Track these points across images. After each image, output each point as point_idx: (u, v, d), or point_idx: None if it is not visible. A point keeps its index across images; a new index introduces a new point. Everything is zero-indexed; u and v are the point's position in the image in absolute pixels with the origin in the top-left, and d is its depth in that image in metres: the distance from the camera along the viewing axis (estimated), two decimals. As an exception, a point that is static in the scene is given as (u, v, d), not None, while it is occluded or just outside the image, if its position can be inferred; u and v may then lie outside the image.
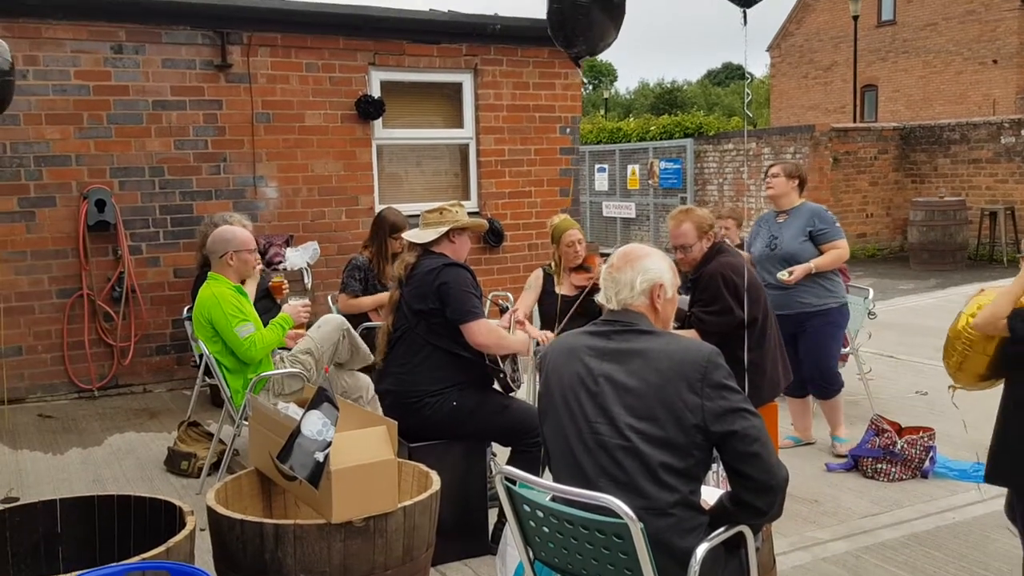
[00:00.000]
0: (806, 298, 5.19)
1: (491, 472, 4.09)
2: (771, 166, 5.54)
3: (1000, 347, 3.21)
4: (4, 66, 4.34)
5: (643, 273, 2.69)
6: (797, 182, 5.40)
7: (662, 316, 2.74)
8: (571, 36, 4.54)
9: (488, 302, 5.37)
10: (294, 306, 4.91)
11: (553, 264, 5.66)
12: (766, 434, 2.52)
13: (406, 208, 6.87)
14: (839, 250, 5.24)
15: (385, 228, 5.91)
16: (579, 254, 5.53)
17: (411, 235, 4.15)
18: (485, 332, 3.91)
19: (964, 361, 3.31)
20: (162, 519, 3.11)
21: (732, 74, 63.57)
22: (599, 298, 2.76)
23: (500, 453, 4.52)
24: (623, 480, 2.48)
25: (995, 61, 26.38)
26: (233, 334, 4.56)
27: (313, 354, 4.89)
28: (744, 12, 3.65)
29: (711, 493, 2.90)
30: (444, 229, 4.05)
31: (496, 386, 4.13)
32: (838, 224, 5.33)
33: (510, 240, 8.77)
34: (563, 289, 5.53)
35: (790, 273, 5.14)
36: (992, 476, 3.34)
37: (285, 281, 5.75)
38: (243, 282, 4.90)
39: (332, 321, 5.01)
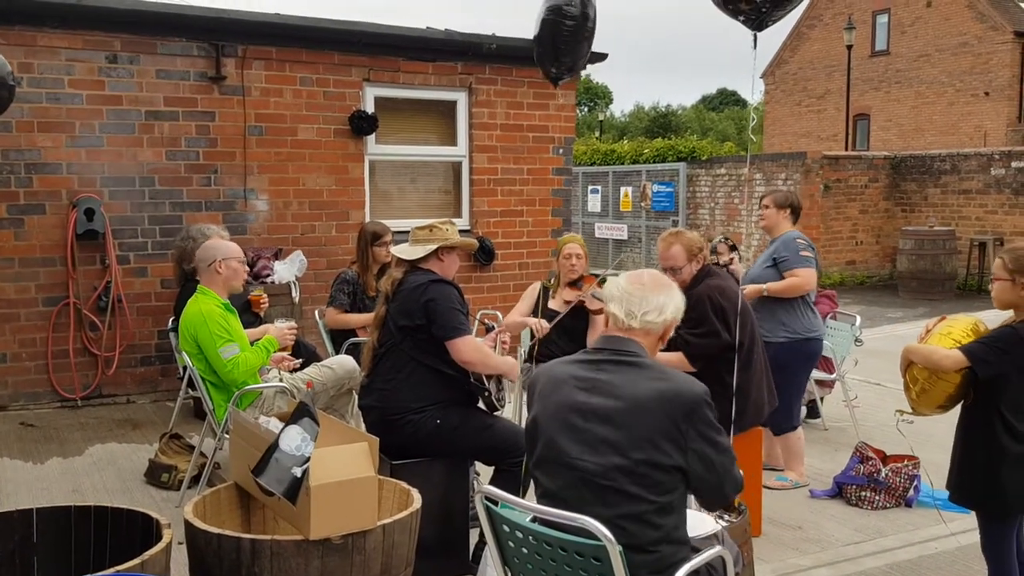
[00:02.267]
0: None
1: (474, 491, 4.06)
2: (763, 196, 5.47)
3: (964, 378, 3.28)
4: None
5: (673, 302, 2.71)
6: (788, 211, 5.33)
7: (657, 347, 2.75)
8: (557, 57, 4.66)
9: (476, 322, 5.36)
10: (280, 328, 4.87)
11: (552, 279, 5.69)
12: (731, 470, 2.57)
13: (397, 224, 6.87)
14: (797, 279, 5.09)
15: (366, 237, 5.95)
16: (575, 268, 5.54)
17: (399, 251, 4.14)
18: (471, 349, 3.90)
19: (924, 392, 3.36)
20: (139, 531, 3.09)
21: (726, 99, 63.95)
22: (614, 310, 2.69)
23: (483, 472, 4.50)
24: (606, 516, 2.44)
25: (987, 93, 26.64)
26: (216, 354, 4.53)
27: (314, 387, 4.89)
28: (755, 35, 3.69)
29: (696, 517, 2.90)
30: (433, 247, 4.04)
31: (480, 404, 4.12)
32: (805, 253, 5.15)
33: (501, 259, 8.77)
34: (555, 304, 5.54)
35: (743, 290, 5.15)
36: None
37: (264, 295, 5.71)
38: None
39: (347, 365, 5.02)
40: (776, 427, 5.20)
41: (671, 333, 2.76)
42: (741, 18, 3.55)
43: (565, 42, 4.76)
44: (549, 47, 4.84)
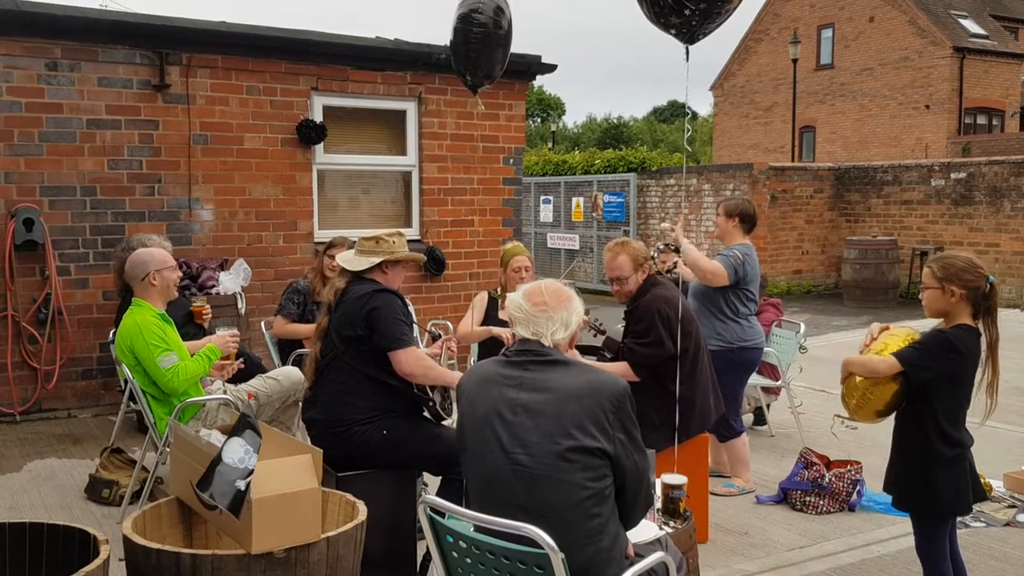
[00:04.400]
0: None
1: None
2: (719, 204, 5.38)
3: (900, 385, 3.36)
4: None
5: (575, 313, 2.77)
6: (738, 220, 5.22)
7: (571, 349, 2.84)
8: (471, 64, 4.75)
9: (426, 334, 5.33)
10: (222, 337, 4.77)
11: (500, 288, 5.66)
12: (647, 476, 2.67)
13: (347, 235, 6.81)
14: (713, 264, 5.03)
15: (324, 248, 5.97)
16: (524, 280, 5.52)
17: (344, 260, 4.09)
18: (413, 361, 3.87)
19: (865, 400, 3.43)
20: (76, 548, 3.01)
21: (677, 111, 64.77)
22: (521, 332, 2.74)
23: (432, 483, 4.47)
24: (542, 511, 2.47)
25: (927, 106, 27.36)
26: (155, 364, 4.43)
27: (259, 399, 4.82)
28: (687, 48, 3.75)
29: (641, 524, 2.92)
30: (377, 260, 4.00)
31: (426, 414, 4.09)
32: (732, 260, 5.06)
33: (451, 268, 8.75)
34: (504, 314, 5.52)
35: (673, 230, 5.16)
36: (895, 501, 3.50)
37: (207, 305, 5.63)
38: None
39: (293, 377, 4.94)
40: (719, 435, 5.24)
41: (579, 333, 2.85)
42: (672, 31, 3.60)
43: (476, 50, 4.85)
44: (463, 55, 4.92)
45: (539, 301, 2.73)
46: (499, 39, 4.91)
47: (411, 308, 4.38)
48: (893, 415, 3.51)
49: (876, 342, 3.52)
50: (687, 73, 3.86)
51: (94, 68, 7.05)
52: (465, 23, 4.89)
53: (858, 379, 3.43)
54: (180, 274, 4.95)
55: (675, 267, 5.45)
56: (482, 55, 4.88)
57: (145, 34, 7.15)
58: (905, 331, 3.51)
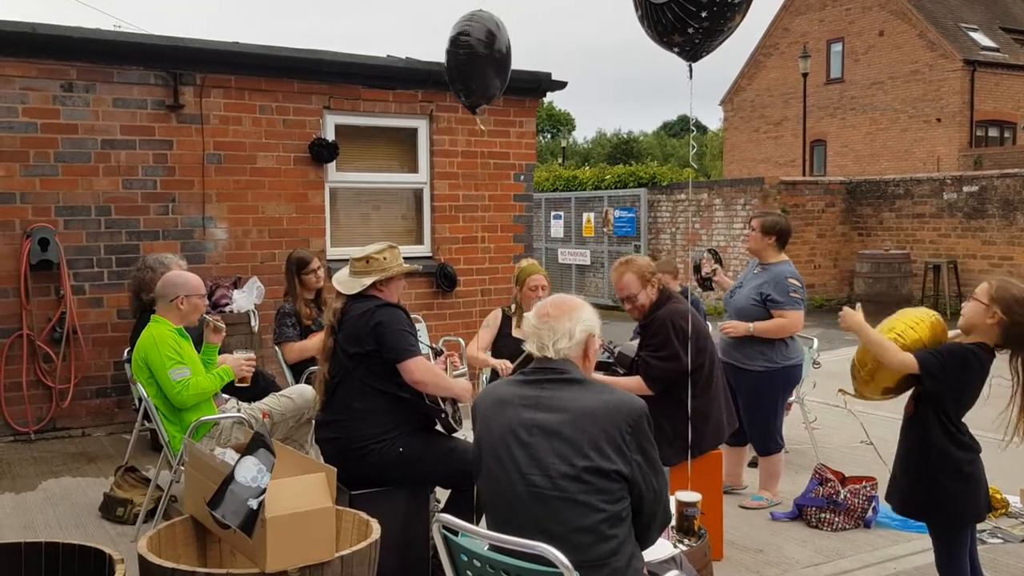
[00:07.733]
0: (735, 353, 5.20)
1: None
2: (753, 217, 5.45)
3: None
4: None
5: (581, 323, 2.72)
6: (774, 239, 5.29)
7: (590, 365, 2.77)
8: (463, 85, 4.82)
9: (429, 350, 5.33)
10: (237, 359, 4.81)
11: (513, 306, 5.63)
12: (664, 496, 2.64)
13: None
14: (784, 320, 5.11)
15: (292, 268, 6.00)
16: (541, 299, 5.48)
17: (339, 283, 4.11)
18: (423, 370, 3.89)
19: (876, 373, 3.43)
20: (92, 567, 3.02)
21: (687, 126, 64.85)
22: (528, 346, 2.74)
23: (444, 500, 4.46)
24: (558, 533, 2.46)
25: (939, 119, 27.31)
26: (166, 375, 4.49)
27: (273, 417, 4.84)
28: (690, 65, 3.77)
29: (660, 544, 2.91)
30: (369, 281, 4.02)
31: (438, 427, 4.09)
32: (796, 295, 5.15)
33: (463, 285, 8.76)
34: (519, 332, 5.50)
35: (732, 326, 5.20)
36: (901, 506, 3.49)
37: (220, 322, 5.66)
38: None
39: (306, 395, 4.97)
40: (763, 449, 5.29)
41: (591, 345, 2.76)
42: (676, 50, 3.63)
43: (466, 71, 4.91)
44: (454, 77, 5.01)
45: (543, 314, 2.75)
46: (491, 61, 4.95)
47: (423, 325, 4.39)
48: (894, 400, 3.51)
49: (903, 317, 3.48)
50: (691, 91, 3.88)
51: (109, 89, 7.12)
52: (454, 45, 4.96)
53: (869, 356, 3.44)
54: (206, 302, 5.04)
55: (714, 273, 5.48)
56: (473, 77, 4.94)
57: (159, 55, 7.22)
58: (933, 316, 3.49)
